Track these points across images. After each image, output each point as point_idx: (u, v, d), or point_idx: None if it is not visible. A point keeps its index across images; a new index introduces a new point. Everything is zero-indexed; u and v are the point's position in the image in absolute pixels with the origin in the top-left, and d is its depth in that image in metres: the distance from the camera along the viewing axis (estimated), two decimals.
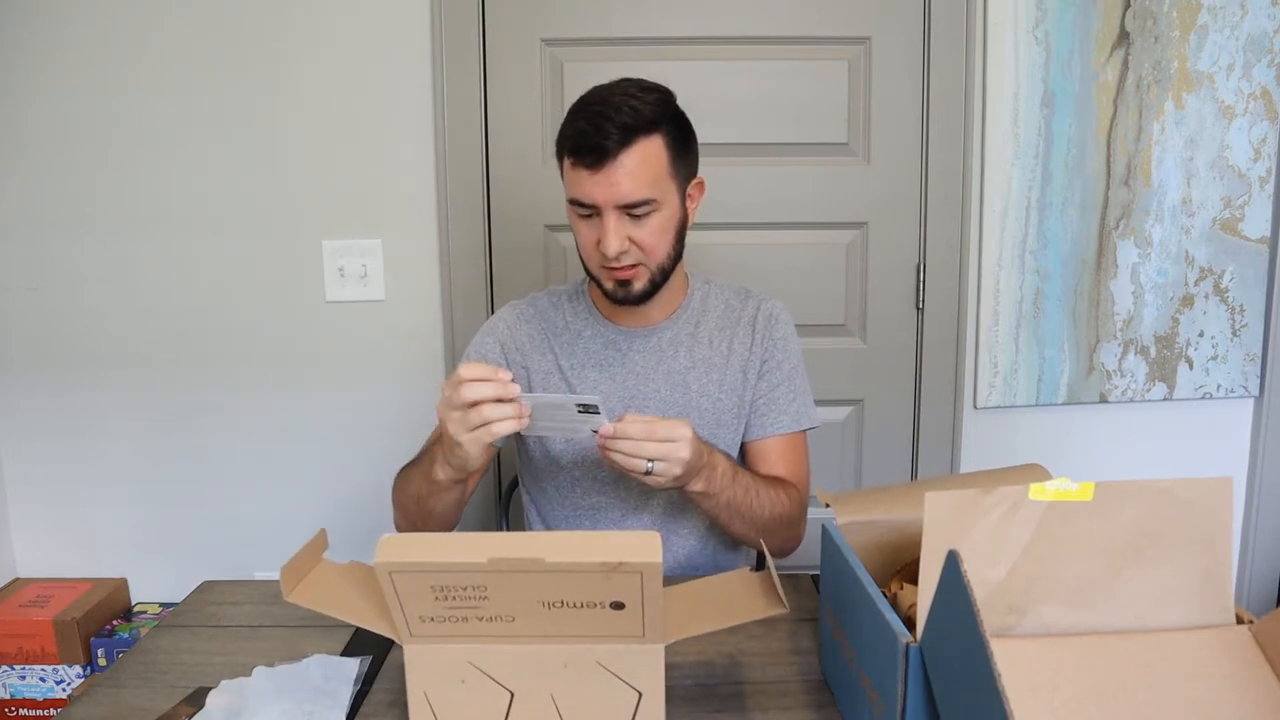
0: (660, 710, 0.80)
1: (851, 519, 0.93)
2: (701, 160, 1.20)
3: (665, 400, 1.23)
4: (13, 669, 1.80)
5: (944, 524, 0.73)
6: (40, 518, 1.92)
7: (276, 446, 1.89)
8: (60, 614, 1.78)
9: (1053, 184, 1.81)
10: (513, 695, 0.80)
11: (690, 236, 1.21)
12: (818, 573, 1.02)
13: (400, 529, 1.20)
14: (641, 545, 0.72)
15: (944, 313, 1.85)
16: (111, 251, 1.82)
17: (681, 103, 1.15)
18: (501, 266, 1.83)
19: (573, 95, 1.14)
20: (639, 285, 1.16)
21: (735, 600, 0.84)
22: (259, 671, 0.90)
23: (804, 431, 1.27)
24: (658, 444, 0.99)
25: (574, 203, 1.12)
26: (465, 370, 0.96)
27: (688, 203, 1.18)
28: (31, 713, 1.82)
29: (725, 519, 1.14)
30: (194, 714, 0.85)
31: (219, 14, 1.74)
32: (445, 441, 1.01)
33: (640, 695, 0.80)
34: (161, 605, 1.94)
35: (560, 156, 1.13)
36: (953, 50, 1.76)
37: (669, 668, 0.81)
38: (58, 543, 1.93)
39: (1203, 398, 1.93)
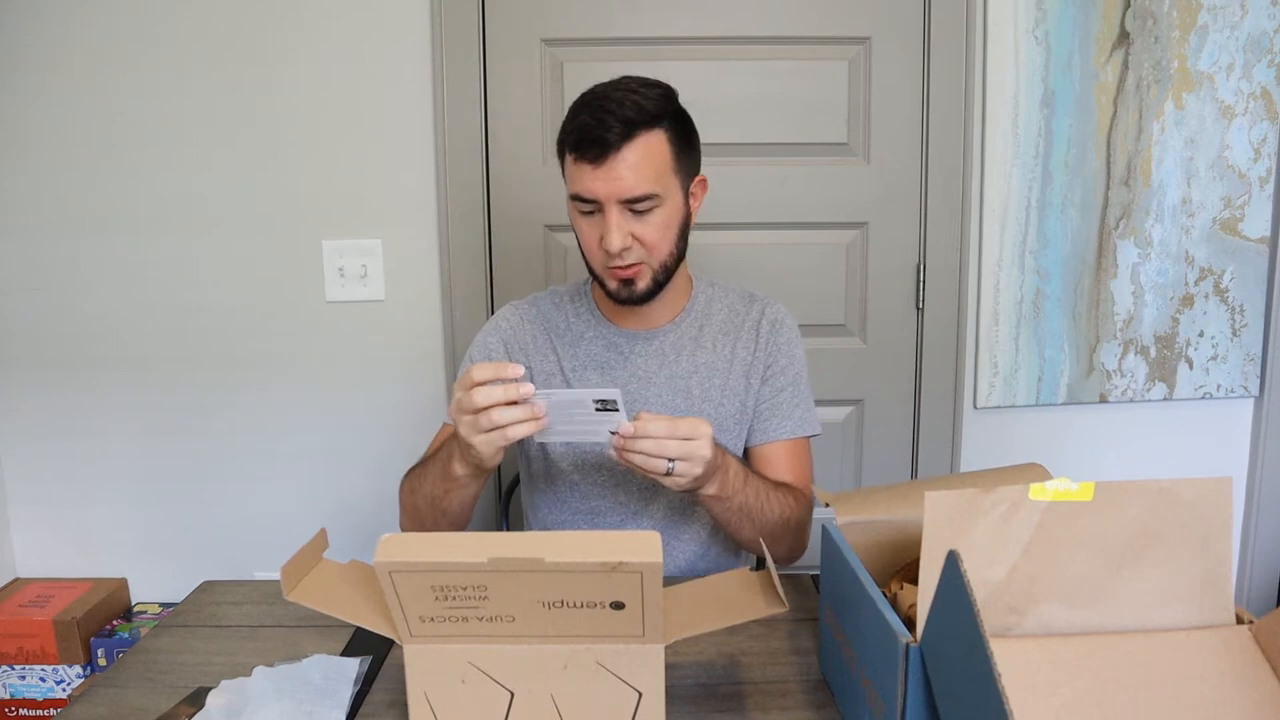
0: (660, 710, 0.80)
1: (851, 519, 0.93)
2: (702, 160, 1.20)
3: (667, 404, 1.22)
4: (13, 669, 1.80)
5: (944, 524, 0.73)
6: (40, 518, 1.92)
7: (276, 446, 1.89)
8: (60, 614, 1.78)
9: (1053, 184, 1.81)
10: (513, 695, 0.80)
11: (690, 236, 1.20)
12: (818, 573, 1.02)
13: (407, 532, 1.19)
14: (641, 545, 0.72)
15: (944, 313, 1.85)
16: (112, 251, 1.82)
17: (682, 102, 1.15)
18: (501, 266, 1.83)
19: (573, 95, 1.13)
20: (642, 285, 1.15)
21: (735, 600, 0.84)
22: (259, 671, 0.90)
23: (807, 438, 1.26)
24: (681, 442, 0.96)
25: (576, 199, 1.11)
26: (476, 372, 0.94)
27: (690, 200, 1.17)
28: (31, 713, 1.82)
29: (736, 524, 1.11)
30: (194, 714, 0.85)
31: (219, 14, 1.74)
32: (459, 442, 0.99)
33: (640, 695, 0.80)
34: (161, 605, 1.93)
35: (561, 153, 1.12)
36: (953, 50, 1.76)
37: (669, 668, 0.81)
38: (58, 543, 1.93)
39: (1203, 398, 1.93)
